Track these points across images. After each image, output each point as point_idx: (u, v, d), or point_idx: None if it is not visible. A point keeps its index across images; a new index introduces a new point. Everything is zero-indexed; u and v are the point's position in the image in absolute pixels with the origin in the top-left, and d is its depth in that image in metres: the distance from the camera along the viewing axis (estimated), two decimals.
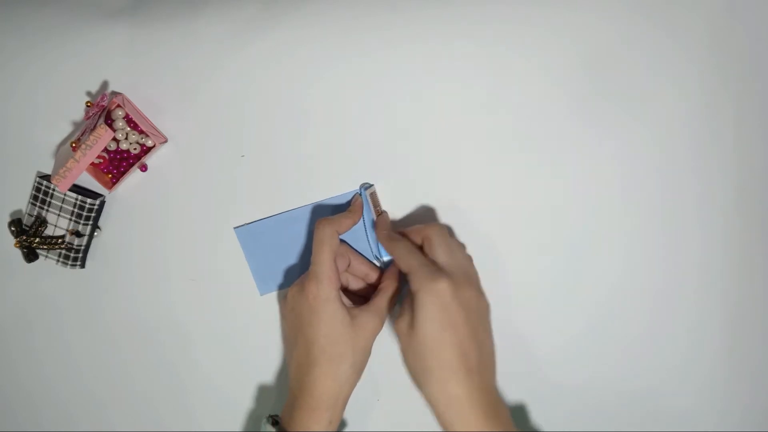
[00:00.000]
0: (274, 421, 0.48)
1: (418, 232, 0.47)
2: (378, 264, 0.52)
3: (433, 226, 0.46)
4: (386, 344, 0.52)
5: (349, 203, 0.51)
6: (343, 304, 0.46)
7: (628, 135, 0.49)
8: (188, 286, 0.54)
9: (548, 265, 0.51)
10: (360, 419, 0.54)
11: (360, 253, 0.51)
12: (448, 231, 0.49)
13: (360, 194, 0.51)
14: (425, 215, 0.52)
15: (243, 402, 0.55)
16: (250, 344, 0.54)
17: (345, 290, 0.51)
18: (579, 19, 0.49)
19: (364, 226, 0.51)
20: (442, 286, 0.42)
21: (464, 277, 0.44)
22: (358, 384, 0.52)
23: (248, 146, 0.53)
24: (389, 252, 0.47)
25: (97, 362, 0.56)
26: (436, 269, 0.43)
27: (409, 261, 0.44)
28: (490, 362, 0.44)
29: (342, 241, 0.51)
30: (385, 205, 0.52)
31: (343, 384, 0.45)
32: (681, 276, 0.50)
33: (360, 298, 0.51)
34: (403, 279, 0.50)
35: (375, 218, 0.51)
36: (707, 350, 0.50)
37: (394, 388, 0.52)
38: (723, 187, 0.49)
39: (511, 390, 0.52)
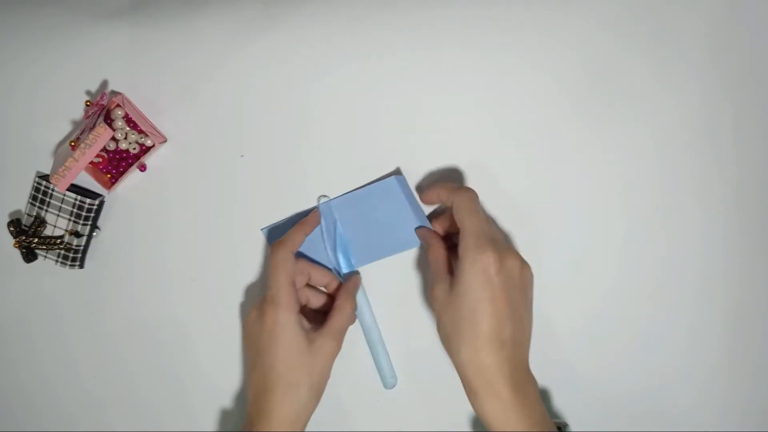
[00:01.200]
0: None
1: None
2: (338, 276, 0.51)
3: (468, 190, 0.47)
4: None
5: (381, 194, 0.50)
6: (302, 328, 0.46)
7: (628, 135, 0.49)
8: (188, 286, 0.54)
9: (548, 265, 0.51)
10: (360, 419, 0.54)
11: (319, 264, 0.51)
12: None
13: (318, 207, 0.51)
14: None
15: (243, 402, 0.55)
16: None
17: (305, 307, 0.51)
18: (579, 19, 0.49)
19: (323, 237, 0.50)
20: (488, 259, 0.42)
21: (507, 247, 0.44)
22: (357, 383, 0.52)
23: (247, 146, 0.53)
24: (450, 200, 0.46)
25: (97, 362, 0.56)
26: (486, 240, 0.43)
27: (464, 220, 0.44)
28: (525, 337, 0.45)
29: (301, 254, 0.51)
30: None
31: (300, 409, 0.45)
32: (681, 276, 0.50)
33: (322, 314, 0.51)
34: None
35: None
36: (707, 350, 0.50)
37: (394, 388, 0.52)
38: (723, 187, 0.49)
39: None
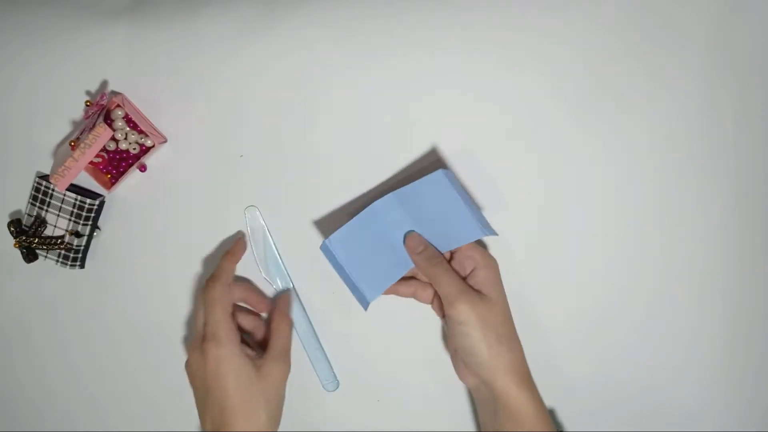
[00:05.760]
0: None
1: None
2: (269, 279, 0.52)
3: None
4: (385, 344, 0.52)
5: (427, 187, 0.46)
6: (247, 357, 0.46)
7: (628, 135, 0.49)
8: (188, 285, 0.54)
9: (548, 265, 0.51)
10: (360, 419, 0.54)
11: (243, 282, 0.52)
12: None
13: (246, 226, 0.52)
14: None
15: None
16: None
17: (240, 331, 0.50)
18: (579, 20, 0.49)
19: (254, 255, 0.52)
20: (497, 265, 0.47)
21: None
22: (357, 383, 0.52)
23: (247, 146, 0.53)
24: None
25: (97, 362, 0.56)
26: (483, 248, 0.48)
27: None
28: None
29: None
30: None
31: None
32: (681, 276, 0.50)
33: (255, 336, 0.51)
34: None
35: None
36: (707, 350, 0.50)
37: (395, 388, 0.52)
38: (723, 187, 0.49)
39: None
